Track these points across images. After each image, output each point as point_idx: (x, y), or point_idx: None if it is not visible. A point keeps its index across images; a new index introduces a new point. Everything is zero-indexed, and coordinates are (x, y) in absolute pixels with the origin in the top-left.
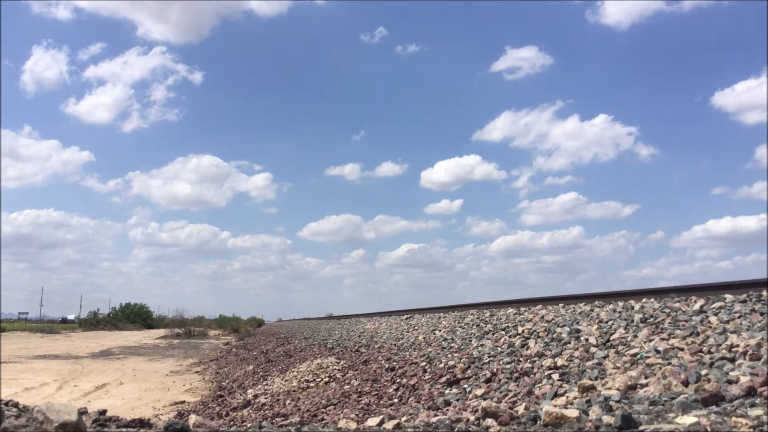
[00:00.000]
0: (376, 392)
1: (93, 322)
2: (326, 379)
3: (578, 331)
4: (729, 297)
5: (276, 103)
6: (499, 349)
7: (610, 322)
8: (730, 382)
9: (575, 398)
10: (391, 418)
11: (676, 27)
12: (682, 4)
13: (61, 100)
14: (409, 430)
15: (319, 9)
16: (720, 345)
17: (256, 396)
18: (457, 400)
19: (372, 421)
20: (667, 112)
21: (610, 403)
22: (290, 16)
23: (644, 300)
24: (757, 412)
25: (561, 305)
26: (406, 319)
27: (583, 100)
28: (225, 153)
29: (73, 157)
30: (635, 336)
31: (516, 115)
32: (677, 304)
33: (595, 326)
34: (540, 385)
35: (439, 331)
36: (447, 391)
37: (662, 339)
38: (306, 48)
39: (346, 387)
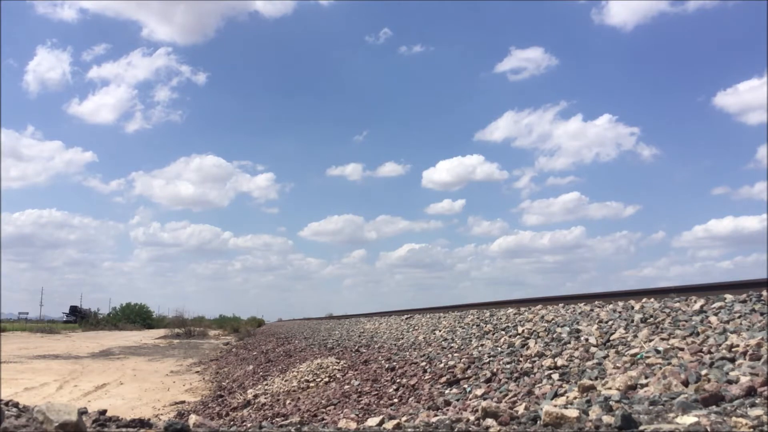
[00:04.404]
0: (376, 392)
1: (93, 322)
2: (326, 379)
3: (578, 331)
4: (729, 297)
5: (279, 103)
6: (499, 349)
7: (610, 322)
8: (730, 382)
9: (575, 398)
10: (391, 418)
11: (679, 27)
12: (687, 5)
13: (64, 101)
14: (409, 430)
15: (324, 10)
16: (720, 345)
17: (256, 396)
18: (457, 400)
19: (372, 421)
20: (669, 112)
21: (610, 403)
22: (295, 16)
23: (644, 300)
24: (757, 412)
25: (561, 305)
26: (406, 319)
27: (587, 101)
28: (228, 153)
29: (76, 158)
30: (635, 336)
31: (518, 116)
32: (677, 304)
33: (595, 326)
34: (540, 385)
35: (439, 331)
36: (447, 391)
37: (662, 339)
38: (310, 49)
39: (346, 387)
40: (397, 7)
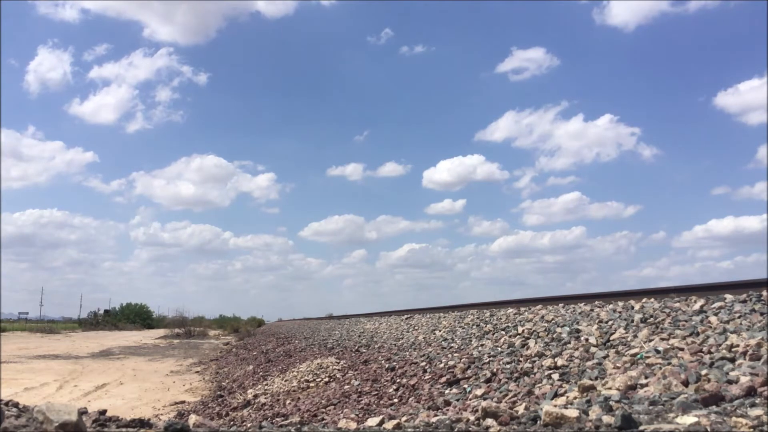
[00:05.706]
0: (376, 392)
1: (93, 322)
2: (326, 379)
3: (578, 331)
4: (729, 297)
5: (280, 103)
6: (499, 349)
7: (610, 322)
8: (730, 382)
9: (575, 398)
10: (391, 418)
11: (680, 28)
12: (688, 5)
13: (65, 101)
14: (409, 430)
15: (326, 10)
16: (720, 345)
17: (256, 396)
18: (457, 400)
19: (372, 421)
20: (669, 112)
21: (610, 403)
22: (296, 17)
23: (644, 300)
24: (757, 412)
25: (561, 305)
26: (406, 319)
27: (588, 101)
28: (228, 153)
29: (77, 158)
30: (635, 336)
31: (519, 116)
32: (677, 304)
33: (595, 326)
34: (540, 385)
35: (439, 331)
36: (447, 391)
37: (662, 339)
38: (311, 49)
39: (346, 387)
40: (398, 7)
